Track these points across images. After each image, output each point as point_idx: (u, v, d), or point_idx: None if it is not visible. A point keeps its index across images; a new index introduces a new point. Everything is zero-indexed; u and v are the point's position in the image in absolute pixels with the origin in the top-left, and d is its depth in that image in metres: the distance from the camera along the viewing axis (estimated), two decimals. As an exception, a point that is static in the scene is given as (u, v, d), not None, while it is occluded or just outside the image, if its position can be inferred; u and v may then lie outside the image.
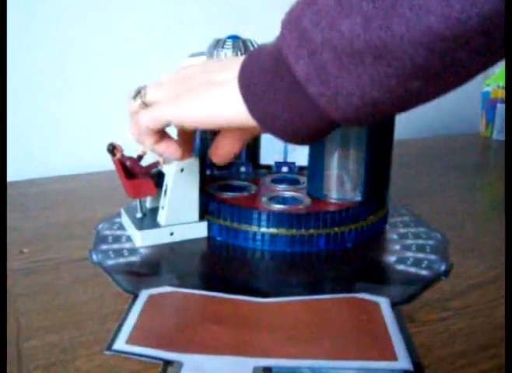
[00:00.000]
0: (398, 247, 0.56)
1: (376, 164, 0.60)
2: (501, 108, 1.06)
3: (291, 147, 0.68)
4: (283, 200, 0.59)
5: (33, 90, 0.81)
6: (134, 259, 0.52)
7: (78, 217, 0.63)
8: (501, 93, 1.07)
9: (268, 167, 0.69)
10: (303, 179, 0.64)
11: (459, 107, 1.18)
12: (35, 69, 0.80)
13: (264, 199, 0.58)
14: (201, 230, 0.57)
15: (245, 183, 0.63)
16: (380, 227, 0.60)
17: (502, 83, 1.07)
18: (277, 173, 0.67)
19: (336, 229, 0.55)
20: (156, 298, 0.45)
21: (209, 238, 0.57)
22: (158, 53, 0.84)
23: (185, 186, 0.55)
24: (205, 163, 0.65)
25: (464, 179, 0.83)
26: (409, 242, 0.57)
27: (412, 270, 0.51)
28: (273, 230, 0.54)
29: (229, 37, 0.56)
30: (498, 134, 1.08)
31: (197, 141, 0.64)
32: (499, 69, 1.08)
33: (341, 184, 0.59)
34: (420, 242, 0.58)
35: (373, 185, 0.60)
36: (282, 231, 0.54)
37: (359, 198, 0.58)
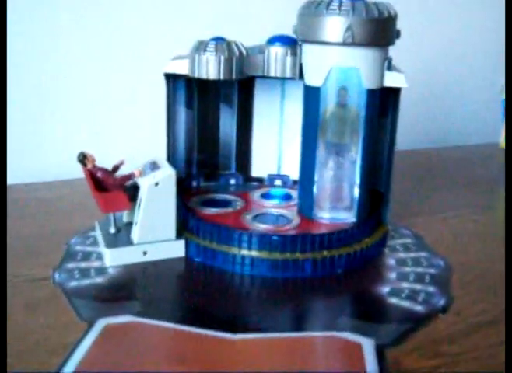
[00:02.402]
0: (393, 276, 0.51)
1: (375, 178, 0.55)
2: (522, 118, 1.00)
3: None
4: (269, 219, 0.54)
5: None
6: (99, 280, 0.47)
7: (49, 230, 0.58)
8: (523, 102, 1.00)
9: (260, 180, 0.64)
10: (296, 194, 0.59)
11: (478, 116, 1.11)
12: (17, 72, 0.76)
13: (248, 217, 0.53)
14: (177, 249, 0.52)
15: (231, 198, 0.58)
16: (377, 251, 0.54)
17: (524, 92, 1.00)
18: (269, 187, 0.62)
19: (325, 253, 0.50)
20: (113, 330, 0.41)
21: (187, 258, 0.52)
22: (148, 56, 0.80)
23: (161, 200, 0.50)
24: (191, 174, 0.61)
25: (478, 197, 0.77)
26: (407, 269, 0.52)
27: (406, 304, 0.46)
28: (254, 253, 0.49)
29: (212, 39, 0.51)
30: (518, 145, 1.01)
31: (180, 149, 0.60)
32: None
33: (334, 202, 0.54)
34: (419, 270, 0.52)
35: (372, 203, 0.55)
36: (264, 254, 0.49)
37: (353, 219, 0.53)
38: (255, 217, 0.53)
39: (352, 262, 0.51)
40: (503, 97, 1.01)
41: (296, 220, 0.53)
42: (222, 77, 0.50)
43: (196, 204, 0.56)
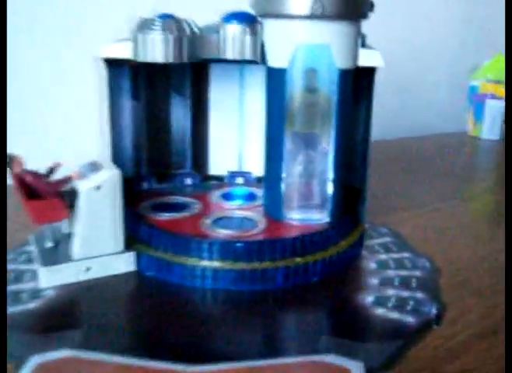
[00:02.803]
0: (376, 281, 0.44)
1: (349, 173, 0.49)
2: (491, 104, 0.95)
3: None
4: (232, 223, 0.47)
5: None
6: (33, 306, 0.40)
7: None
8: (491, 88, 0.96)
9: (220, 178, 0.57)
10: (261, 193, 0.52)
11: (443, 104, 1.07)
12: None
13: (207, 221, 0.46)
14: (126, 263, 0.44)
15: (188, 200, 0.51)
16: (355, 253, 0.48)
17: (491, 76, 0.96)
18: (230, 186, 0.55)
19: (298, 260, 0.43)
20: (47, 369, 0.33)
21: (138, 273, 0.44)
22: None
23: (104, 207, 0.42)
24: (140, 175, 0.53)
25: (452, 188, 0.72)
26: (391, 273, 0.46)
27: (395, 315, 0.40)
28: (217, 263, 0.42)
29: (159, 16, 0.44)
30: (488, 133, 0.97)
31: (127, 147, 0.52)
32: (487, 61, 0.97)
33: (304, 200, 0.47)
34: (404, 273, 0.46)
35: (346, 200, 0.48)
36: (228, 264, 0.42)
37: (327, 219, 0.47)
38: (216, 222, 0.46)
39: (329, 268, 0.45)
40: (471, 82, 0.96)
41: (263, 223, 0.46)
42: (171, 60, 0.43)
43: (147, 209, 0.49)
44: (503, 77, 0.94)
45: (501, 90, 0.95)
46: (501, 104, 0.94)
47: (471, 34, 1.08)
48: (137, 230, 0.45)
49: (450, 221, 0.59)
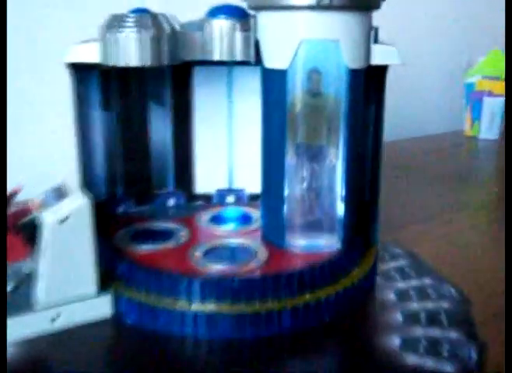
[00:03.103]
0: (399, 318, 0.38)
1: (362, 188, 0.42)
2: (489, 102, 0.90)
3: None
4: (226, 255, 0.40)
5: None
6: (-13, 369, 0.32)
7: None
8: (488, 85, 0.90)
9: (208, 197, 0.49)
10: (257, 214, 0.45)
11: (438, 103, 1.01)
12: None
13: (197, 254, 0.39)
14: (102, 308, 0.37)
15: (172, 226, 0.44)
16: (370, 282, 0.41)
17: (488, 73, 0.90)
18: (220, 206, 0.48)
19: (307, 297, 0.36)
20: None
21: (116, 319, 0.37)
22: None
23: (72, 241, 0.35)
24: (115, 197, 0.46)
25: (459, 195, 0.66)
26: (414, 306, 0.39)
27: (430, 363, 0.33)
28: (211, 307, 0.35)
29: (132, 11, 0.37)
30: (486, 132, 0.91)
31: (98, 165, 0.45)
32: (482, 57, 0.91)
33: (311, 223, 0.40)
34: (430, 305, 0.39)
35: (358, 220, 0.41)
36: (225, 307, 0.35)
37: (338, 245, 0.40)
38: (207, 254, 0.39)
39: (343, 303, 0.38)
40: (467, 79, 0.91)
41: (263, 252, 0.39)
42: (148, 63, 0.36)
43: (125, 240, 0.41)
44: (499, 73, 0.89)
45: (499, 86, 0.89)
46: (499, 101, 0.89)
47: (463, 31, 1.03)
48: (114, 267, 0.38)
49: (468, 236, 0.53)
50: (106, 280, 0.37)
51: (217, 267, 0.37)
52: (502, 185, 0.70)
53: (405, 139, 0.93)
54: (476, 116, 0.92)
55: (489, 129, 0.91)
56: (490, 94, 0.90)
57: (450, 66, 1.01)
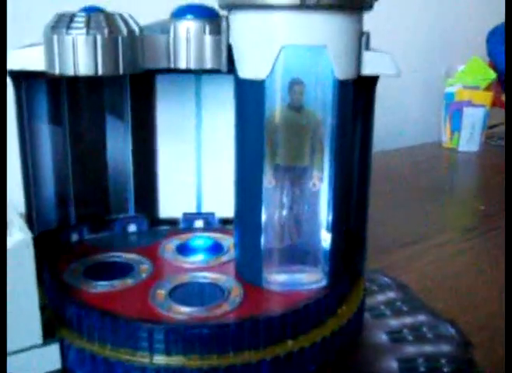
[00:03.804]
0: (394, 365, 0.33)
1: (348, 214, 0.37)
2: (469, 112, 0.86)
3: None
4: (194, 294, 0.34)
5: None
6: None
7: None
8: (468, 94, 0.86)
9: (173, 222, 0.44)
10: (229, 241, 0.40)
11: (415, 113, 0.97)
12: None
13: (160, 293, 0.33)
14: (48, 360, 0.31)
15: (132, 257, 0.38)
16: (358, 322, 0.36)
17: (469, 82, 0.86)
18: (186, 233, 0.42)
19: (289, 345, 0.31)
20: None
21: (65, 372, 0.31)
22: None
23: (11, 283, 0.29)
24: (67, 222, 0.40)
25: (446, 214, 0.61)
26: (410, 350, 0.34)
27: None
28: (177, 360, 0.30)
29: (82, 10, 0.31)
30: (465, 144, 0.87)
31: (46, 187, 0.39)
32: (462, 66, 0.88)
33: (292, 257, 0.35)
34: (428, 349, 0.34)
35: (344, 252, 0.36)
36: (194, 361, 0.30)
37: (323, 281, 0.35)
38: (172, 293, 0.33)
39: (329, 350, 0.33)
40: (446, 88, 0.87)
41: (237, 291, 0.34)
42: (101, 72, 0.30)
43: (76, 276, 0.35)
44: (480, 82, 0.85)
45: (479, 96, 0.86)
46: (480, 111, 0.85)
47: (442, 38, 0.99)
48: (62, 310, 0.32)
49: (460, 263, 0.48)
50: (53, 327, 0.32)
51: (184, 310, 0.32)
52: (487, 202, 0.66)
53: (381, 151, 0.89)
54: (456, 127, 0.88)
55: (469, 141, 0.87)
56: (470, 104, 0.86)
57: (428, 75, 0.97)
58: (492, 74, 0.89)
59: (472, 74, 0.86)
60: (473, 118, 0.86)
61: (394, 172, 0.78)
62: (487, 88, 0.89)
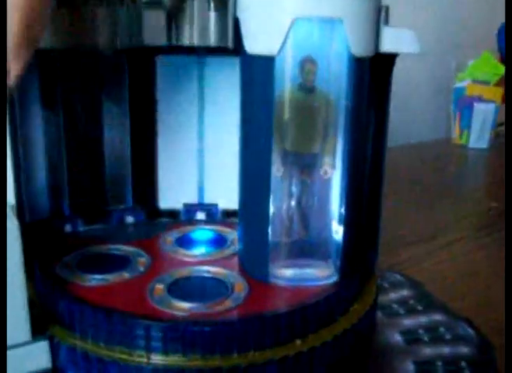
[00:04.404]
0: (410, 367, 0.30)
1: (361, 207, 0.34)
2: (480, 108, 0.83)
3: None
4: (195, 289, 0.32)
5: None
6: None
7: None
8: (478, 89, 0.84)
9: (173, 214, 0.41)
10: (233, 234, 0.38)
11: (425, 108, 0.94)
12: None
13: (159, 287, 0.31)
14: (37, 358, 0.29)
15: (130, 250, 0.36)
16: (371, 320, 0.34)
17: (479, 77, 0.84)
18: (188, 225, 0.40)
19: (298, 344, 0.29)
20: None
21: (57, 372, 0.29)
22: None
23: (-5, 277, 0.27)
24: (61, 213, 0.38)
25: (456, 211, 0.59)
26: (427, 352, 0.32)
27: None
28: (176, 360, 0.27)
29: (77, -20, 0.29)
30: (475, 140, 0.85)
31: (39, 175, 0.37)
32: (472, 60, 0.85)
33: (301, 251, 0.33)
34: (446, 351, 0.32)
35: (357, 247, 0.34)
36: (194, 361, 0.27)
37: (334, 277, 0.32)
38: (171, 288, 0.31)
39: (340, 349, 0.30)
40: (456, 83, 0.84)
41: (241, 287, 0.31)
42: (99, 45, 0.28)
43: (70, 269, 0.33)
44: (491, 77, 0.83)
45: (490, 91, 0.83)
46: (491, 107, 0.82)
47: (452, 32, 0.97)
48: (53, 304, 0.30)
49: (474, 261, 0.46)
50: (43, 323, 0.29)
51: (184, 307, 0.29)
52: (500, 199, 0.63)
53: (388, 147, 0.86)
54: (466, 123, 0.85)
55: (479, 137, 0.84)
56: (481, 99, 0.83)
57: (437, 69, 0.95)
58: (503, 70, 0.86)
59: (483, 68, 0.84)
60: (483, 114, 0.83)
61: (403, 169, 0.76)
62: (497, 84, 0.86)
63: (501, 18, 0.90)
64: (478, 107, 0.84)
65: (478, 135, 0.84)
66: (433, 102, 0.96)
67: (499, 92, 0.86)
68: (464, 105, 0.85)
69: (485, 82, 0.84)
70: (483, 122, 0.84)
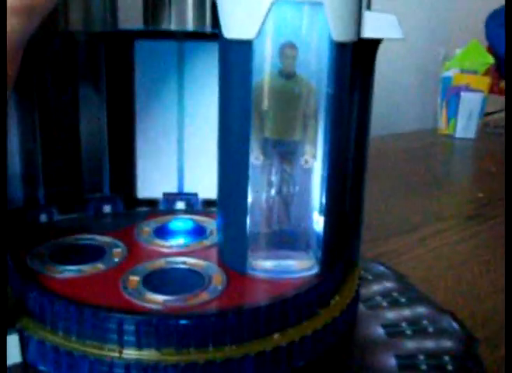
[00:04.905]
0: (393, 363, 0.30)
1: (343, 196, 0.34)
2: (467, 98, 0.83)
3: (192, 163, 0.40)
4: (171, 281, 0.31)
5: None
6: None
7: None
8: (466, 79, 0.83)
9: (152, 202, 0.40)
10: (213, 225, 0.37)
11: (411, 98, 0.93)
12: None
13: (133, 279, 0.30)
14: (9, 351, 0.28)
15: (105, 240, 0.35)
16: (352, 313, 0.33)
17: (467, 66, 0.83)
18: (166, 214, 0.39)
19: (276, 339, 0.28)
20: None
21: (26, 367, 0.28)
22: None
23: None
24: (36, 201, 0.37)
25: (442, 201, 0.58)
26: (410, 346, 0.31)
27: None
28: (149, 354, 0.26)
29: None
30: (462, 130, 0.84)
31: (12, 162, 0.36)
32: (460, 49, 0.84)
33: (280, 241, 0.32)
34: (429, 345, 0.31)
35: (339, 237, 0.33)
36: (168, 355, 0.26)
37: (315, 270, 0.31)
38: (146, 280, 0.30)
39: (320, 343, 0.30)
40: (443, 73, 0.83)
41: (219, 279, 0.31)
42: (71, 27, 0.27)
43: (42, 259, 0.32)
44: (478, 66, 0.82)
45: (477, 81, 0.82)
46: (478, 96, 0.82)
47: (440, 20, 0.96)
48: (24, 297, 0.29)
49: (460, 252, 0.45)
50: (13, 316, 0.28)
51: (158, 299, 0.28)
52: (486, 189, 0.63)
53: (374, 137, 0.85)
54: (453, 113, 0.85)
55: (466, 127, 0.84)
56: (468, 89, 0.83)
57: (424, 58, 0.94)
58: (491, 60, 0.86)
59: (470, 58, 0.83)
60: (471, 104, 0.83)
61: (389, 159, 0.75)
62: (485, 74, 0.86)
63: (491, 6, 0.89)
64: (465, 96, 0.83)
65: (465, 125, 0.84)
66: (419, 92, 0.95)
67: (486, 81, 0.85)
68: (451, 94, 0.84)
69: (474, 71, 0.83)
70: (470, 112, 0.83)
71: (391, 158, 0.75)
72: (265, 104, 0.29)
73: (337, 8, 0.27)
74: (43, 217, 0.38)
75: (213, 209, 0.38)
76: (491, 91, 0.89)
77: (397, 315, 0.34)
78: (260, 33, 0.27)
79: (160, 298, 0.28)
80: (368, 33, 0.28)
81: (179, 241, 0.35)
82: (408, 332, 0.32)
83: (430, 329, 0.33)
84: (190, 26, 0.30)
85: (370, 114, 0.33)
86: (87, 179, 0.39)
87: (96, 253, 0.33)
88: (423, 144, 0.84)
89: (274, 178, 0.31)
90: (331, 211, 0.31)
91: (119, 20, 0.29)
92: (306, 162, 0.31)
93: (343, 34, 0.28)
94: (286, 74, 0.29)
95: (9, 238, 0.32)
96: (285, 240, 0.32)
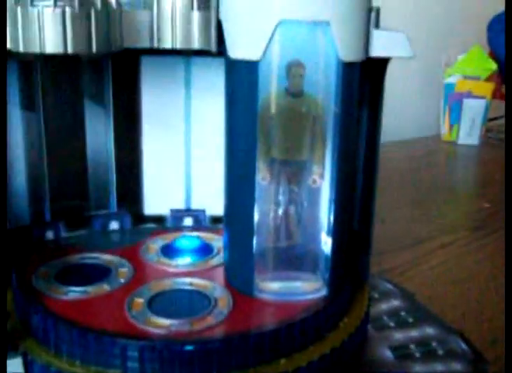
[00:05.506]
0: (401, 387, 0.29)
1: (351, 215, 0.33)
2: (469, 104, 0.82)
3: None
4: (177, 304, 0.30)
5: None
6: None
7: None
8: (468, 85, 0.82)
9: (159, 219, 0.40)
10: (220, 242, 0.36)
11: (414, 105, 0.92)
12: None
13: (139, 301, 0.30)
14: (10, 375, 0.28)
15: (111, 259, 0.34)
16: (361, 335, 0.33)
17: (469, 72, 0.82)
18: (174, 231, 0.39)
19: (283, 364, 0.27)
20: None
21: (29, 390, 0.28)
22: None
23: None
24: (41, 219, 0.37)
25: (447, 212, 0.58)
26: (419, 369, 0.31)
27: None
28: (154, 381, 0.26)
29: (51, -21, 0.27)
30: (465, 137, 0.83)
31: (18, 179, 0.35)
32: (462, 55, 0.83)
33: (287, 263, 0.31)
34: (438, 368, 0.31)
35: (347, 258, 0.33)
36: (173, 382, 0.26)
37: (323, 292, 0.31)
38: (152, 302, 0.30)
39: (328, 369, 0.29)
40: (446, 79, 0.82)
41: (225, 301, 0.30)
42: (70, 49, 0.27)
43: (46, 280, 0.32)
44: (481, 72, 0.81)
45: (480, 87, 0.81)
46: (481, 103, 0.81)
47: (442, 26, 0.95)
48: (27, 319, 0.29)
49: (468, 266, 0.45)
50: (17, 338, 0.28)
51: (163, 323, 0.28)
52: (491, 199, 0.62)
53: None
54: (455, 119, 0.84)
55: (469, 133, 0.83)
56: (470, 95, 0.82)
57: (427, 64, 0.93)
58: (493, 65, 0.85)
59: (473, 64, 0.82)
60: (473, 110, 0.82)
61: (392, 167, 0.74)
62: (487, 79, 0.84)
63: (493, 11, 0.88)
64: (468, 103, 0.82)
65: (468, 131, 0.83)
66: (422, 98, 0.94)
67: (489, 87, 0.84)
68: (454, 101, 0.83)
69: (476, 77, 0.82)
70: (473, 118, 0.82)
71: (395, 167, 0.74)
72: (272, 123, 0.29)
73: (344, 28, 0.26)
74: (49, 235, 0.37)
75: (221, 226, 0.38)
76: (494, 96, 0.88)
77: (405, 337, 0.33)
78: (266, 53, 0.27)
79: (165, 321, 0.28)
80: (376, 51, 0.28)
81: (186, 260, 0.35)
82: (417, 354, 0.32)
83: (439, 351, 0.32)
84: (195, 45, 0.29)
85: (380, 132, 0.32)
86: (93, 196, 0.39)
87: (102, 273, 0.33)
88: (426, 151, 0.83)
89: (281, 198, 0.31)
90: (339, 232, 0.31)
91: (124, 40, 0.29)
92: (314, 181, 0.30)
93: (351, 54, 0.27)
94: (293, 93, 0.29)
95: (15, 257, 0.32)
96: (293, 261, 0.31)
